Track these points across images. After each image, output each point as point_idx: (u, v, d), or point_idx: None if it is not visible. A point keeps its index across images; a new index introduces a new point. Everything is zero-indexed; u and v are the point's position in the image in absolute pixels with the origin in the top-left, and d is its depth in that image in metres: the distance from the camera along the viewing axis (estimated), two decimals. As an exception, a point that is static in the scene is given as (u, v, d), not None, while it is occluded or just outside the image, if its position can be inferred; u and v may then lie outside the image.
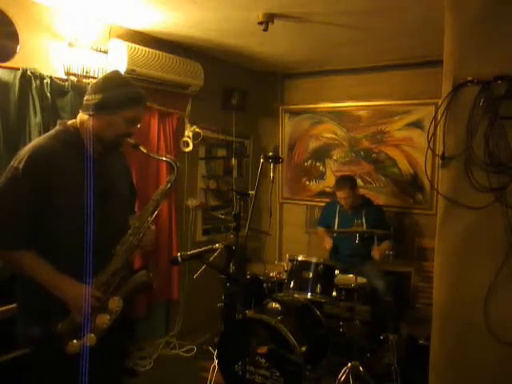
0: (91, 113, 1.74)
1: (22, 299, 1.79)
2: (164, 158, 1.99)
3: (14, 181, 1.65)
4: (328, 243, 4.06)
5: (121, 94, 1.74)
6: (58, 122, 1.85)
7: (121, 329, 1.81)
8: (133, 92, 1.78)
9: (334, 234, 4.12)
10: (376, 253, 3.80)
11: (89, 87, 1.83)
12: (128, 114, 1.76)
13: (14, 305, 2.34)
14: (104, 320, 1.70)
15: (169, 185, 1.88)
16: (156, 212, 1.85)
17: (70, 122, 1.83)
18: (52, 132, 1.80)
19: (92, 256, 1.66)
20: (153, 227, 1.90)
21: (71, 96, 3.00)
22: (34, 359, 1.76)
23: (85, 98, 1.80)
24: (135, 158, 3.11)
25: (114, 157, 1.92)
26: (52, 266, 1.67)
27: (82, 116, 1.80)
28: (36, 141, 1.78)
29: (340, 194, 3.95)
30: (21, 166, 1.64)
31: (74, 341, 1.64)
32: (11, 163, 1.69)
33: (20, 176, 1.64)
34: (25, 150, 1.70)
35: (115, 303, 1.73)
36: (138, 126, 1.85)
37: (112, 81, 1.80)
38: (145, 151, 1.84)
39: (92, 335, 1.67)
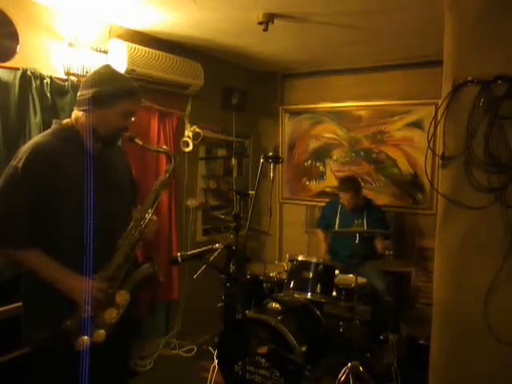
0: (85, 108, 1.75)
1: (28, 298, 1.79)
2: (160, 149, 2.00)
3: (14, 180, 1.66)
4: (324, 245, 4.10)
5: (114, 88, 1.75)
6: (54, 121, 1.86)
7: (126, 326, 1.81)
8: (126, 85, 1.79)
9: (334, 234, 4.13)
10: (379, 244, 3.85)
11: (81, 83, 1.83)
12: (122, 107, 1.76)
13: (15, 305, 2.36)
14: (112, 314, 1.71)
15: (167, 175, 1.89)
16: (156, 203, 1.86)
17: (65, 121, 1.84)
18: (49, 131, 1.81)
19: (95, 251, 1.66)
20: (154, 217, 1.90)
21: (71, 96, 3.00)
22: (38, 358, 1.76)
23: (78, 94, 1.80)
24: (134, 152, 3.10)
25: (112, 152, 1.92)
26: (56, 262, 1.68)
27: (76, 113, 1.81)
28: (34, 139, 1.79)
29: (344, 196, 3.94)
30: (20, 164, 1.65)
31: (84, 337, 1.64)
32: (11, 162, 1.70)
33: (20, 175, 1.65)
34: (23, 149, 1.71)
35: (122, 297, 1.74)
36: (133, 119, 1.85)
37: (104, 75, 1.80)
38: (140, 143, 1.85)
39: (101, 331, 1.68)
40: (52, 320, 1.67)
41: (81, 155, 1.75)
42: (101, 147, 1.82)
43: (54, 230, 1.71)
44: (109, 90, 1.74)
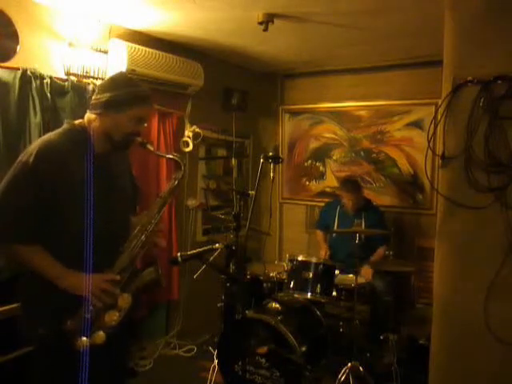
0: (99, 111, 1.77)
1: (27, 297, 1.79)
2: (171, 156, 2.01)
3: (22, 175, 1.67)
4: (324, 250, 4.07)
5: (129, 93, 1.78)
6: (66, 121, 1.88)
7: (124, 328, 1.81)
8: (140, 91, 1.82)
9: (334, 235, 4.12)
10: (365, 272, 3.69)
11: (96, 88, 1.88)
12: (136, 113, 1.79)
13: (15, 304, 2.36)
14: (113, 317, 1.71)
15: (176, 182, 1.90)
16: (163, 209, 1.87)
17: (77, 122, 1.85)
18: (60, 130, 1.83)
19: (96, 253, 1.67)
20: (162, 226, 1.93)
21: (71, 96, 3.00)
22: (37, 357, 1.77)
23: (93, 98, 1.83)
24: (136, 155, 3.11)
25: (118, 156, 1.94)
26: (57, 260, 1.69)
27: (89, 115, 1.83)
28: (45, 137, 1.80)
29: (347, 197, 3.93)
30: (30, 160, 1.66)
31: (84, 338, 1.64)
32: (19, 158, 1.71)
33: (28, 171, 1.66)
34: (34, 146, 1.72)
35: (124, 300, 1.74)
36: (145, 124, 1.88)
37: (119, 80, 1.84)
38: (152, 149, 1.87)
39: (101, 333, 1.68)
40: (50, 318, 1.67)
41: (88, 157, 1.76)
42: (110, 151, 1.84)
43: (58, 229, 1.71)
44: (122, 95, 1.76)
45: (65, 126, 1.84)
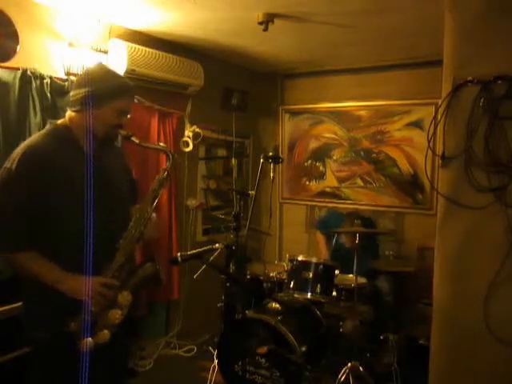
0: (79, 108, 1.73)
1: (28, 297, 1.78)
2: (157, 147, 1.98)
3: (8, 182, 1.64)
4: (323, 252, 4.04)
5: (107, 86, 1.73)
6: (49, 121, 1.85)
7: (124, 327, 1.81)
8: (119, 83, 1.78)
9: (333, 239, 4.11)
10: None
11: (73, 83, 1.81)
12: (117, 106, 1.75)
13: (15, 305, 2.36)
14: (116, 315, 1.72)
15: (165, 173, 1.87)
16: (155, 202, 1.85)
17: (59, 121, 1.82)
18: (43, 131, 1.80)
19: (94, 253, 1.65)
20: (154, 215, 1.89)
21: (71, 96, 3.00)
22: (37, 357, 1.76)
23: (71, 94, 1.79)
24: (135, 152, 3.10)
25: (109, 152, 1.90)
26: (54, 264, 1.67)
27: (70, 113, 1.79)
28: (28, 141, 1.77)
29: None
30: (14, 166, 1.63)
31: (89, 338, 1.64)
32: (5, 164, 1.68)
33: (13, 177, 1.63)
34: (17, 151, 1.69)
35: (124, 297, 1.75)
36: (128, 116, 1.84)
37: (97, 74, 1.79)
38: (137, 141, 1.83)
39: (106, 331, 1.68)
40: (52, 319, 1.67)
41: (75, 155, 1.73)
42: (97, 147, 1.79)
43: (52, 232, 1.69)
44: (101, 89, 1.72)
45: (48, 126, 1.81)
